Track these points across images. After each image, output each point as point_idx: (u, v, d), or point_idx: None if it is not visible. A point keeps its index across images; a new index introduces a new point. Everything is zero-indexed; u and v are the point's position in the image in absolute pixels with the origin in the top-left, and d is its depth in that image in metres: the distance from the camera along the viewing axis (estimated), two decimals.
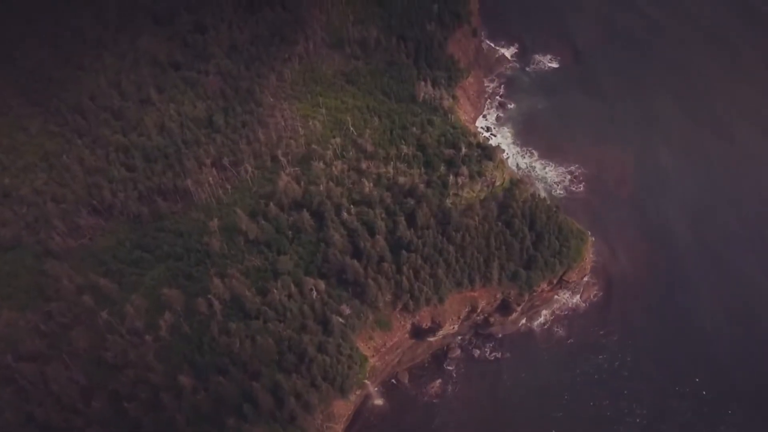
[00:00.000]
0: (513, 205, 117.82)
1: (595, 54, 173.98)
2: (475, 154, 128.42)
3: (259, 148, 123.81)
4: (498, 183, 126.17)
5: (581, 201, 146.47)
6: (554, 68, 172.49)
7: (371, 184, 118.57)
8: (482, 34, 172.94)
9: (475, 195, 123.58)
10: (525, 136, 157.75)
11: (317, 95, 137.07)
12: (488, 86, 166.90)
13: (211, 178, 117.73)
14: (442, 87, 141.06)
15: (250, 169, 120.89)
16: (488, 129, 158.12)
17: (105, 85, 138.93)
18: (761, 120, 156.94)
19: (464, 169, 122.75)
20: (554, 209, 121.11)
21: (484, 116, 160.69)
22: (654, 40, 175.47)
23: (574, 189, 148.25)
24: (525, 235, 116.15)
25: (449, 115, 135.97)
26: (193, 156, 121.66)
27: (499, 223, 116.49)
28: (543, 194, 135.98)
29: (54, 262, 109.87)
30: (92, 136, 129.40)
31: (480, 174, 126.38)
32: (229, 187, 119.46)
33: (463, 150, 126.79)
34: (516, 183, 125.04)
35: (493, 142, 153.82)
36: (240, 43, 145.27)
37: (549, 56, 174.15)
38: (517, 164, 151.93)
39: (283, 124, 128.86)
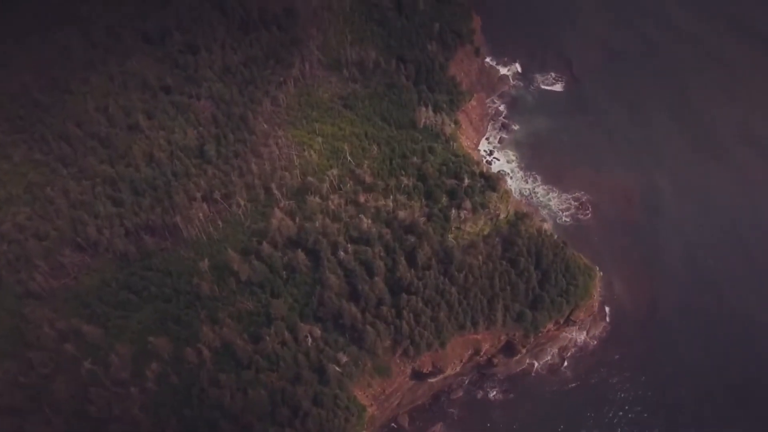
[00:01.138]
0: (518, 241, 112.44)
1: (598, 73, 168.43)
2: (479, 184, 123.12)
3: (252, 181, 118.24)
4: (502, 216, 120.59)
5: (586, 229, 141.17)
6: (558, 87, 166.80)
7: (369, 220, 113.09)
8: (484, 52, 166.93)
9: (478, 229, 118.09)
10: (528, 160, 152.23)
11: (313, 121, 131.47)
12: (491, 107, 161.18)
13: (201, 214, 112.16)
14: (444, 112, 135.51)
15: (242, 203, 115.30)
16: (491, 152, 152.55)
17: (92, 110, 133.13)
18: (760, 143, 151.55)
19: (467, 203, 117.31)
20: (561, 245, 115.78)
21: (487, 138, 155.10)
22: (654, 60, 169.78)
23: (579, 216, 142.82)
24: (531, 274, 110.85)
25: (451, 143, 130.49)
26: (183, 189, 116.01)
27: (504, 262, 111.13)
28: (548, 226, 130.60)
29: (35, 305, 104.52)
30: (78, 166, 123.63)
31: (483, 206, 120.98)
32: (220, 223, 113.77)
33: (466, 181, 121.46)
34: (521, 217, 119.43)
35: (496, 165, 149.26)
36: (233, 65, 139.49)
37: (553, 74, 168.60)
38: (520, 190, 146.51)
39: (277, 153, 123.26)
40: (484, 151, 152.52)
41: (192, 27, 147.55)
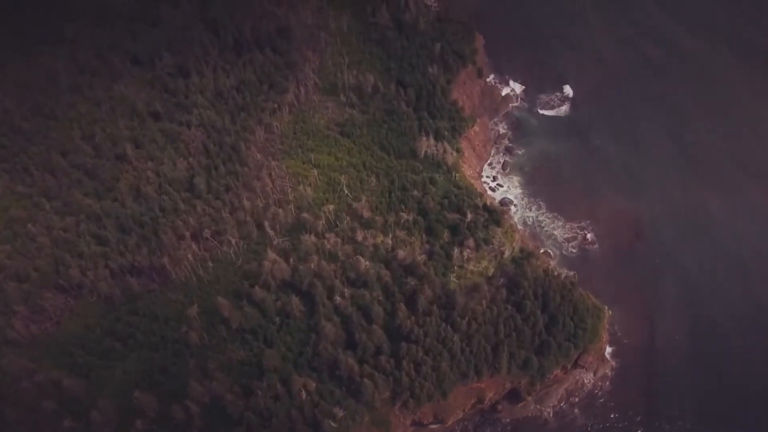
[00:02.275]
0: (524, 284, 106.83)
1: (603, 93, 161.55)
2: (482, 219, 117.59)
3: (244, 217, 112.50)
4: (507, 254, 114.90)
5: (592, 261, 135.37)
6: (563, 108, 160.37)
7: (367, 261, 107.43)
8: (487, 70, 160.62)
9: (482, 268, 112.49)
10: (533, 186, 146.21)
11: (309, 150, 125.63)
12: (494, 129, 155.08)
13: (190, 255, 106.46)
14: (445, 140, 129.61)
15: (233, 241, 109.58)
16: (494, 178, 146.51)
17: (78, 138, 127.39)
18: (759, 168, 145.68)
19: (470, 241, 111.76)
20: (569, 286, 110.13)
21: (490, 164, 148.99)
22: (657, 81, 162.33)
23: (585, 247, 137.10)
24: (537, 319, 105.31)
25: (453, 173, 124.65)
26: (171, 227, 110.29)
27: (509, 306, 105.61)
28: (554, 264, 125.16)
29: (13, 354, 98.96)
30: (62, 200, 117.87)
31: (487, 242, 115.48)
32: (210, 263, 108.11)
33: (469, 216, 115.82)
34: (527, 255, 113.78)
35: (499, 192, 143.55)
36: (225, 89, 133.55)
37: (557, 95, 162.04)
38: (524, 219, 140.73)
39: (270, 186, 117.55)
40: (487, 177, 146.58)
41: (183, 48, 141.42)
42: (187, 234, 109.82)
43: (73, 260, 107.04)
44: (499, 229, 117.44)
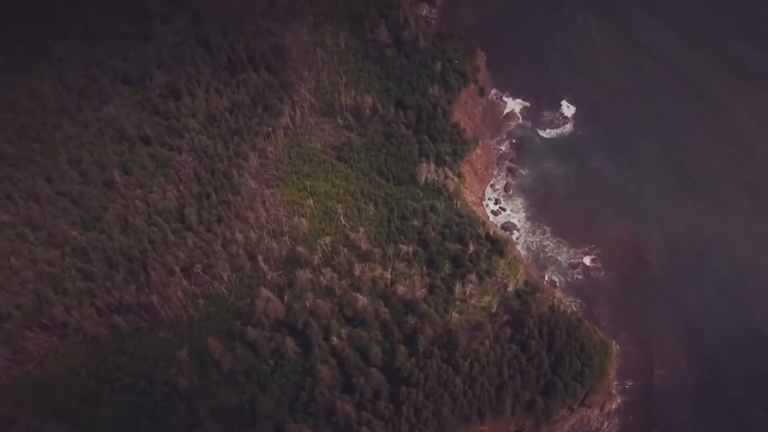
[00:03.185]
0: (529, 322, 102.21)
1: (608, 112, 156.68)
2: (485, 250, 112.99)
3: (236, 250, 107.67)
4: (511, 288, 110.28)
5: (598, 287, 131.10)
6: (566, 127, 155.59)
7: (365, 298, 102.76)
8: (489, 86, 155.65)
9: (485, 304, 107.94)
10: (536, 209, 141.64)
11: (305, 176, 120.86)
12: (496, 149, 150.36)
13: (180, 292, 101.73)
14: (446, 164, 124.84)
15: (225, 276, 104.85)
16: (497, 201, 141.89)
17: (64, 163, 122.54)
18: (758, 193, 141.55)
19: (472, 276, 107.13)
20: (575, 322, 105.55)
21: (492, 185, 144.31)
22: (660, 100, 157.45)
23: (590, 273, 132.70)
24: (543, 359, 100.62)
25: (454, 200, 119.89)
26: (160, 262, 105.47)
27: (513, 346, 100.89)
28: (560, 294, 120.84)
29: None
30: (47, 230, 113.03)
31: (490, 274, 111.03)
32: (201, 301, 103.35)
33: (471, 247, 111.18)
34: (532, 290, 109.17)
35: (502, 216, 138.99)
36: (218, 112, 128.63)
37: (560, 113, 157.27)
38: (528, 244, 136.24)
39: (264, 216, 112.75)
40: (489, 199, 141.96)
41: (174, 67, 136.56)
42: (177, 269, 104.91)
43: (58, 297, 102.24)
44: (503, 261, 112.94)
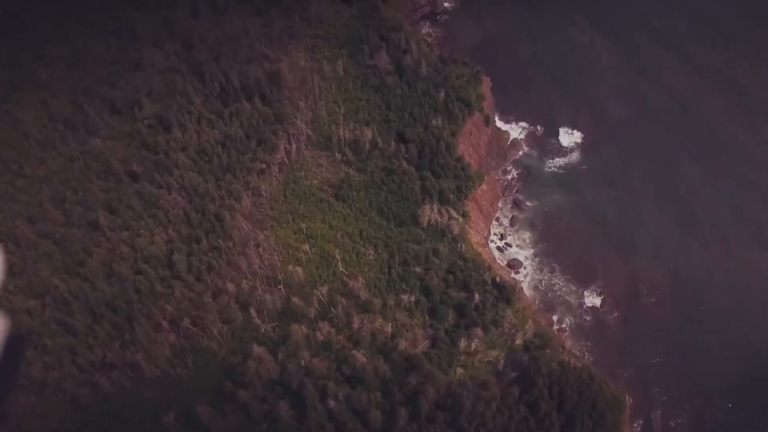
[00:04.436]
0: (538, 381, 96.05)
1: (619, 138, 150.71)
2: (491, 298, 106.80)
3: (228, 302, 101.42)
4: (518, 340, 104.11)
5: (610, 330, 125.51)
6: (573, 155, 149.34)
7: (364, 353, 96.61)
8: (493, 112, 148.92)
9: (491, 359, 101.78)
10: (544, 245, 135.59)
11: (301, 217, 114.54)
12: (502, 179, 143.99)
13: (167, 350, 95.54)
14: (450, 204, 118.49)
15: (215, 331, 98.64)
16: (502, 236, 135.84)
17: (47, 201, 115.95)
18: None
19: (478, 330, 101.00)
20: (587, 380, 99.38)
21: (497, 219, 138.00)
22: (677, 126, 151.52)
23: (601, 315, 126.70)
24: (553, 421, 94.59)
25: (459, 243, 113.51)
26: (146, 315, 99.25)
27: (522, 407, 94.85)
28: (569, 344, 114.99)
29: None
30: (27, 277, 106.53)
31: (496, 324, 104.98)
32: (189, 358, 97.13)
33: (477, 297, 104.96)
34: (541, 344, 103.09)
35: (508, 252, 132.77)
36: (210, 146, 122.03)
37: (569, 140, 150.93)
38: (536, 283, 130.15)
39: (257, 263, 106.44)
40: (494, 234, 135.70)
41: (164, 96, 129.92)
42: (164, 323, 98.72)
43: (36, 354, 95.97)
44: (510, 310, 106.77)
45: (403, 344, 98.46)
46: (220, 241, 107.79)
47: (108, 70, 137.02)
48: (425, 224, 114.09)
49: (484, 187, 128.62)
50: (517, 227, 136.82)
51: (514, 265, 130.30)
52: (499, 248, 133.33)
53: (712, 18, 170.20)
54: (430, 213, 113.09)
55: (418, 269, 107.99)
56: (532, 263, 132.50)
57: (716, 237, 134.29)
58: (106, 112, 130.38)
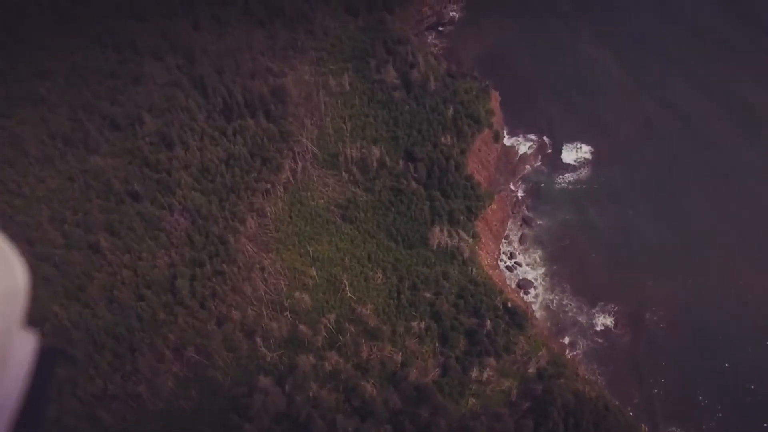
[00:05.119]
0: (552, 413, 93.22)
1: (626, 155, 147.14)
2: (502, 324, 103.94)
3: (232, 330, 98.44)
4: (531, 370, 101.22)
5: (625, 354, 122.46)
6: (583, 171, 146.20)
7: (374, 389, 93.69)
8: (501, 127, 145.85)
9: (504, 388, 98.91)
10: (555, 264, 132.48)
11: (307, 239, 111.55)
12: (511, 195, 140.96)
13: (171, 381, 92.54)
14: (460, 225, 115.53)
15: (220, 360, 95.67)
16: (511, 255, 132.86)
17: (46, 223, 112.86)
18: None
19: (491, 360, 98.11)
20: (603, 411, 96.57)
21: (506, 237, 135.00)
22: (686, 144, 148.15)
23: (615, 339, 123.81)
24: None
25: (470, 267, 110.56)
26: (149, 344, 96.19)
27: None
28: (580, 354, 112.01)
29: None
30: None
31: (508, 351, 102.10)
32: (194, 390, 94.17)
33: (488, 324, 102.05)
34: (555, 373, 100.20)
35: (518, 272, 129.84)
36: (213, 164, 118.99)
37: (579, 156, 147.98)
38: (547, 303, 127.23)
39: (263, 288, 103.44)
40: (504, 253, 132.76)
41: (166, 111, 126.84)
42: (168, 352, 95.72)
43: None
44: (522, 336, 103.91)
45: (413, 374, 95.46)
46: (224, 265, 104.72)
47: (108, 84, 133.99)
48: (435, 246, 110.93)
49: (494, 206, 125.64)
50: (526, 245, 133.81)
51: (524, 285, 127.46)
52: (508, 267, 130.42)
53: (718, 34, 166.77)
54: (440, 235, 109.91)
55: (428, 294, 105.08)
56: (543, 283, 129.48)
57: (728, 257, 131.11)
58: (107, 128, 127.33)
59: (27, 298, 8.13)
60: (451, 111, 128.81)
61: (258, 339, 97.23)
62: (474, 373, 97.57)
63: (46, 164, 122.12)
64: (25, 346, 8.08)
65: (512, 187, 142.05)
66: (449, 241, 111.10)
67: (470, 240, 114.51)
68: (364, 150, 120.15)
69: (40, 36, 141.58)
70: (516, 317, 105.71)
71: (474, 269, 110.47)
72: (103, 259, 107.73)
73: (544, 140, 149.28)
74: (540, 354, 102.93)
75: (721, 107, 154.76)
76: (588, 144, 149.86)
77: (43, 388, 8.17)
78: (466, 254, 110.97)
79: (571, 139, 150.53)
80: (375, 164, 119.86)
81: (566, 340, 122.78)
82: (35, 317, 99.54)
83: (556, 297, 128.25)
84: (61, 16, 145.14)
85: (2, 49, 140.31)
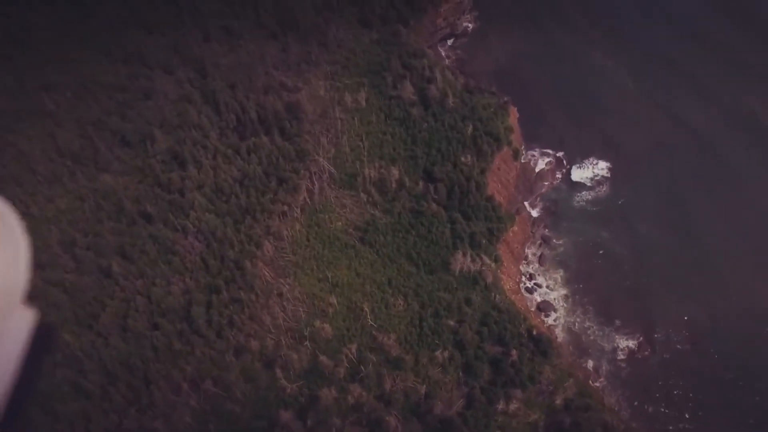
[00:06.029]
0: None
1: (645, 172, 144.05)
2: (527, 352, 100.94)
3: (251, 361, 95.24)
4: (558, 399, 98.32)
5: (647, 377, 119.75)
6: (604, 187, 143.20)
7: (398, 420, 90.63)
8: (518, 143, 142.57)
9: (531, 421, 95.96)
10: (575, 285, 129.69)
11: (326, 263, 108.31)
12: (529, 215, 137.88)
13: (188, 416, 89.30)
14: (482, 247, 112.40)
15: (239, 393, 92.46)
16: (531, 276, 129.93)
17: (56, 244, 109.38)
18: None
19: (517, 392, 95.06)
20: None
21: (525, 258, 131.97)
22: (707, 159, 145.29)
23: (637, 360, 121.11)
24: None
25: (493, 293, 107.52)
26: (165, 376, 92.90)
27: None
28: (603, 380, 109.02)
29: None
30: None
31: (533, 380, 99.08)
32: (212, 424, 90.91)
33: (514, 353, 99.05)
34: (584, 405, 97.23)
35: (538, 293, 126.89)
36: (227, 185, 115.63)
37: (598, 173, 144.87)
38: (568, 325, 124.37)
39: (282, 316, 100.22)
40: (523, 275, 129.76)
41: (177, 128, 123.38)
42: (185, 385, 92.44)
43: (47, 421, 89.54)
44: (548, 365, 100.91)
45: (438, 407, 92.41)
46: (241, 292, 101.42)
47: (117, 99, 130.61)
48: (457, 272, 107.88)
49: (515, 228, 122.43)
50: (546, 266, 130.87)
51: (544, 308, 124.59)
52: (528, 289, 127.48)
53: (729, 48, 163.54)
54: (463, 260, 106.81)
55: (451, 322, 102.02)
56: (565, 305, 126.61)
57: (750, 277, 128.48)
58: (117, 145, 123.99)
59: (29, 273, 8.15)
60: (470, 129, 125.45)
61: (278, 370, 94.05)
62: (500, 405, 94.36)
63: (54, 183, 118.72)
64: (23, 321, 8.07)
65: (530, 205, 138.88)
66: (472, 266, 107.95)
67: (492, 264, 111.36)
68: (382, 170, 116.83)
69: (46, 48, 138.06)
70: (541, 345, 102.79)
71: (497, 295, 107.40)
72: (115, 284, 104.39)
73: (561, 157, 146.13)
74: (566, 384, 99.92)
75: (731, 122, 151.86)
76: (604, 160, 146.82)
77: (38, 364, 8.05)
78: (489, 279, 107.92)
79: (588, 155, 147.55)
80: (394, 185, 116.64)
81: (589, 364, 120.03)
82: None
83: (578, 319, 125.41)
84: (67, 27, 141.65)
85: (8, 61, 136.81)
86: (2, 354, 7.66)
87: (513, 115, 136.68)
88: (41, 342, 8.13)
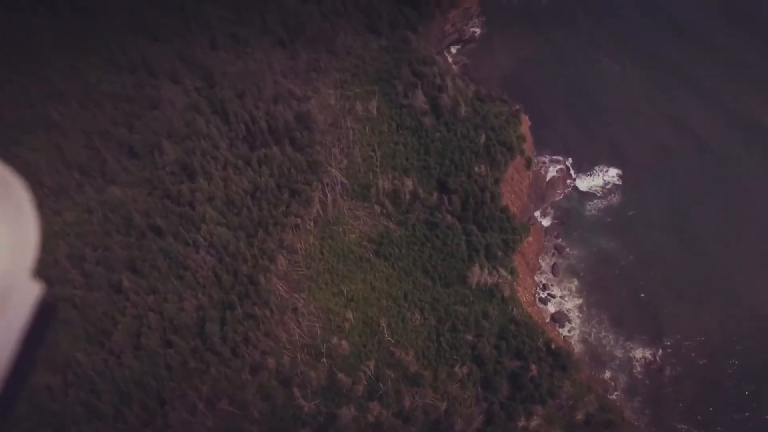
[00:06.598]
0: None
1: (657, 180, 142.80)
2: (546, 366, 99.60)
3: (267, 379, 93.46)
4: (579, 415, 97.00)
5: (664, 388, 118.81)
6: (616, 195, 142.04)
7: None
8: (530, 151, 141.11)
9: None
10: (590, 295, 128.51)
11: (341, 278, 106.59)
12: (542, 224, 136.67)
13: None
14: (498, 259, 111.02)
15: (255, 412, 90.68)
16: (545, 286, 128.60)
17: (64, 259, 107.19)
18: None
19: (538, 408, 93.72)
20: None
21: (539, 268, 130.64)
22: (719, 168, 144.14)
23: (654, 370, 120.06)
24: None
25: (510, 306, 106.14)
26: (180, 395, 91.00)
27: None
28: (619, 391, 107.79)
29: None
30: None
31: (553, 395, 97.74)
32: None
33: (533, 368, 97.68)
34: (606, 421, 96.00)
35: (552, 304, 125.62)
36: (238, 197, 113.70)
37: (609, 181, 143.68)
38: (584, 336, 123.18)
39: (298, 333, 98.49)
40: (537, 285, 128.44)
41: (186, 138, 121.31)
42: (200, 405, 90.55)
43: None
44: (567, 380, 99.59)
45: (459, 425, 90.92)
46: (255, 308, 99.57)
47: (124, 109, 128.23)
48: (474, 285, 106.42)
49: (530, 239, 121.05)
50: (560, 276, 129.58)
51: (559, 318, 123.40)
52: (542, 299, 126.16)
53: (733, 53, 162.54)
54: (480, 273, 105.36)
55: (469, 336, 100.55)
56: (580, 315, 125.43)
57: (764, 286, 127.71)
58: (124, 156, 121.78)
59: (38, 248, 8.22)
60: (483, 138, 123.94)
61: (295, 388, 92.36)
62: (521, 422, 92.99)
63: (61, 195, 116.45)
64: (29, 293, 8.18)
65: (541, 213, 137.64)
66: (488, 279, 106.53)
67: (509, 276, 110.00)
68: (396, 181, 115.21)
69: (50, 57, 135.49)
70: (560, 359, 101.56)
71: (514, 308, 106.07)
72: (126, 300, 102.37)
73: (573, 164, 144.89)
74: (587, 400, 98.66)
75: (736, 128, 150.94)
76: (615, 167, 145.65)
77: (40, 337, 8.16)
78: (507, 292, 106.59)
79: (598, 163, 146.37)
80: (408, 196, 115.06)
81: (606, 374, 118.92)
82: (57, 364, 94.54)
83: (594, 329, 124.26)
84: (72, 36, 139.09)
85: (12, 71, 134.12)
86: (8, 325, 7.80)
87: (525, 123, 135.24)
88: (44, 315, 8.41)
